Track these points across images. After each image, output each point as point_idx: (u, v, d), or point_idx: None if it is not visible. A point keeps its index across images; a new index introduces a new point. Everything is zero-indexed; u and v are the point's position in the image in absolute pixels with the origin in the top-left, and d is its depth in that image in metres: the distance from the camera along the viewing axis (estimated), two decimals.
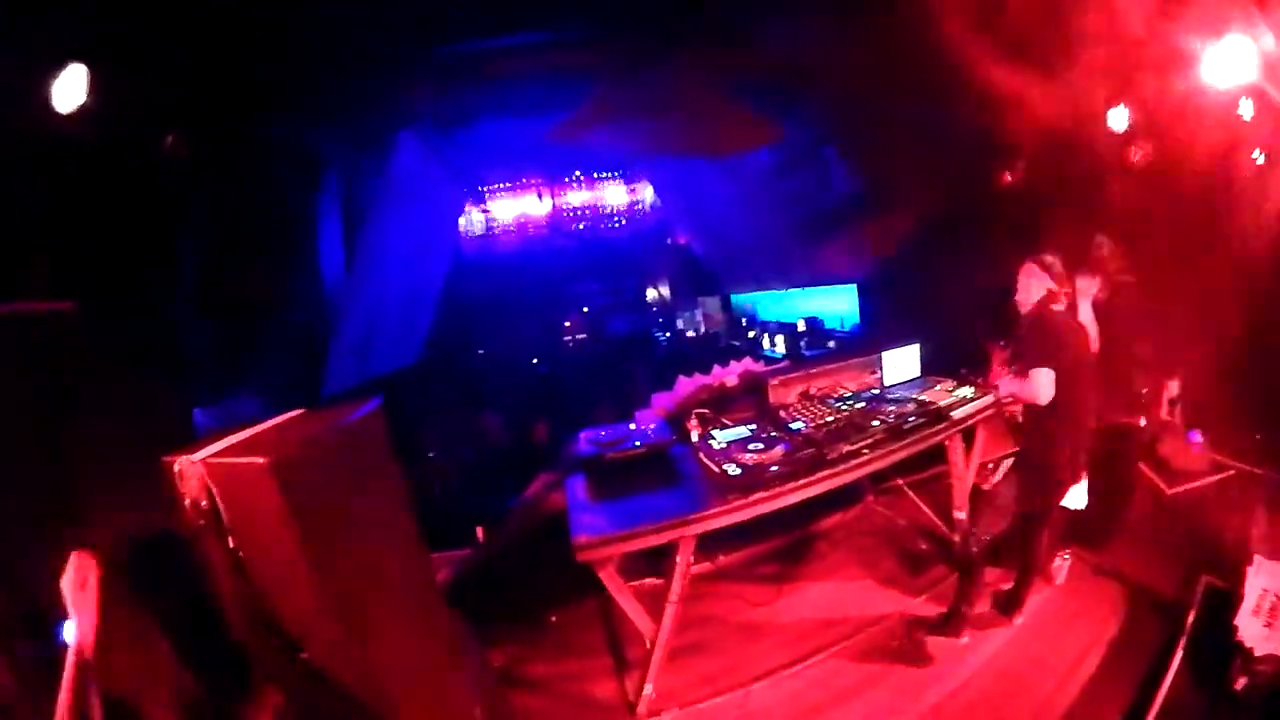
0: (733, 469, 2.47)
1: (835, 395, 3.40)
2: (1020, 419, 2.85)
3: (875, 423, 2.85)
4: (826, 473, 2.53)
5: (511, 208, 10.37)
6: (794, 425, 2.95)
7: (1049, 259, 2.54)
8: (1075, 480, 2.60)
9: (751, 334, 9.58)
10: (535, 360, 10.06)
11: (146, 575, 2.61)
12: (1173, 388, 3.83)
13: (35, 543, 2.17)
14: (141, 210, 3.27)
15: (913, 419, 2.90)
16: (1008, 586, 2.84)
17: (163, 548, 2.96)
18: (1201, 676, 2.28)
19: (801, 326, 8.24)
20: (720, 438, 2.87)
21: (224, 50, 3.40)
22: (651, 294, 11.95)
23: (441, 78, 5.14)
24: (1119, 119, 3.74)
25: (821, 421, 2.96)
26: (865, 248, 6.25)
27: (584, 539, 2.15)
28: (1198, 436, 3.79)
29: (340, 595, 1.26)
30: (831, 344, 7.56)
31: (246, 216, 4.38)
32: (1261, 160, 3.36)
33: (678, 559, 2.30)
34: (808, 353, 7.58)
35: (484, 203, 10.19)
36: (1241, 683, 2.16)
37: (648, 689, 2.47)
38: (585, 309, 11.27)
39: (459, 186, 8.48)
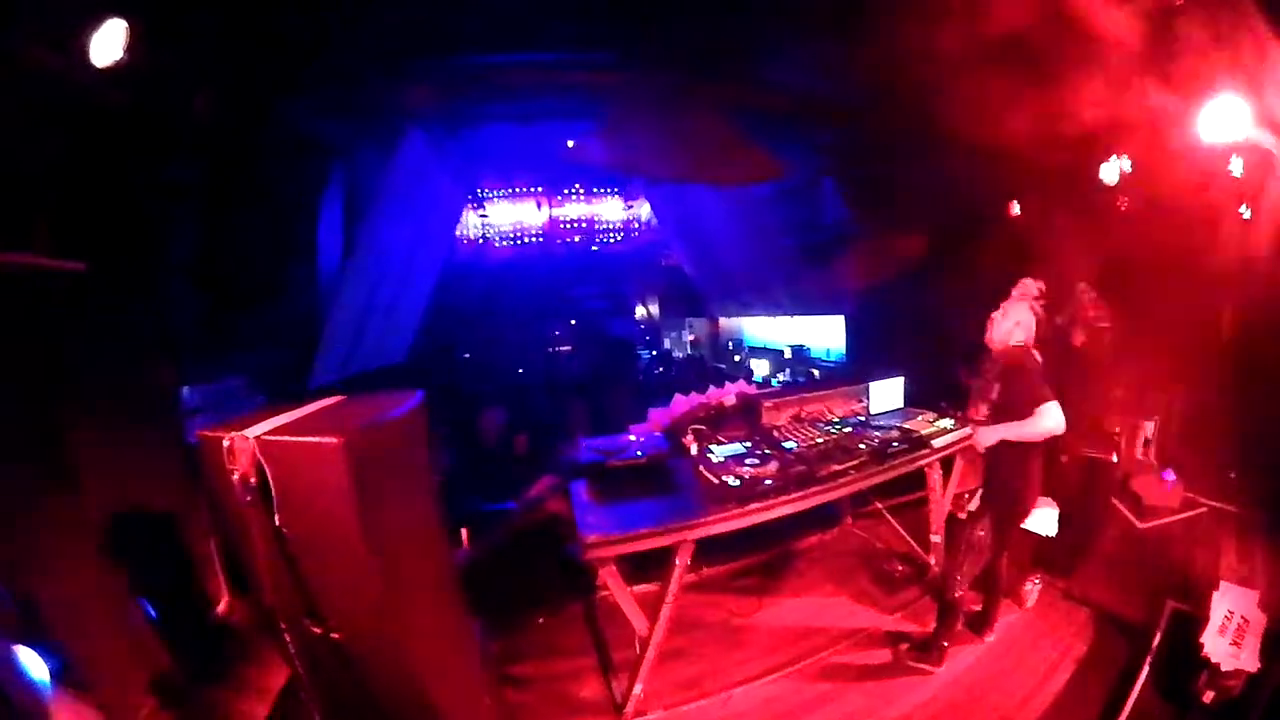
0: (731, 480, 2.61)
1: (824, 419, 3.59)
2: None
3: (861, 446, 3.03)
4: (816, 489, 2.69)
5: (509, 214, 10.43)
6: (786, 444, 3.13)
7: (1036, 304, 2.58)
8: (1035, 505, 2.75)
9: (737, 358, 9.78)
10: (521, 370, 10.07)
11: (130, 554, 2.58)
12: (1148, 428, 3.96)
13: (25, 505, 2.16)
14: (148, 179, 3.25)
15: (896, 445, 3.08)
16: (978, 607, 2.99)
17: (148, 526, 2.93)
18: (1167, 691, 2.41)
19: (788, 354, 8.47)
20: (719, 452, 3.01)
21: (245, 31, 3.42)
22: (641, 311, 12.09)
23: (455, 81, 5.25)
24: (1111, 170, 3.85)
25: (811, 442, 3.14)
26: (855, 280, 6.50)
27: (593, 538, 2.25)
28: (1171, 475, 3.86)
29: (388, 576, 1.34)
30: (815, 373, 7.79)
31: (250, 198, 4.38)
32: (1248, 215, 3.46)
33: (675, 561, 2.41)
34: (792, 380, 7.79)
35: (482, 207, 10.24)
36: (1210, 696, 2.29)
37: (638, 688, 2.55)
38: (573, 321, 11.35)
39: (460, 189, 8.53)
